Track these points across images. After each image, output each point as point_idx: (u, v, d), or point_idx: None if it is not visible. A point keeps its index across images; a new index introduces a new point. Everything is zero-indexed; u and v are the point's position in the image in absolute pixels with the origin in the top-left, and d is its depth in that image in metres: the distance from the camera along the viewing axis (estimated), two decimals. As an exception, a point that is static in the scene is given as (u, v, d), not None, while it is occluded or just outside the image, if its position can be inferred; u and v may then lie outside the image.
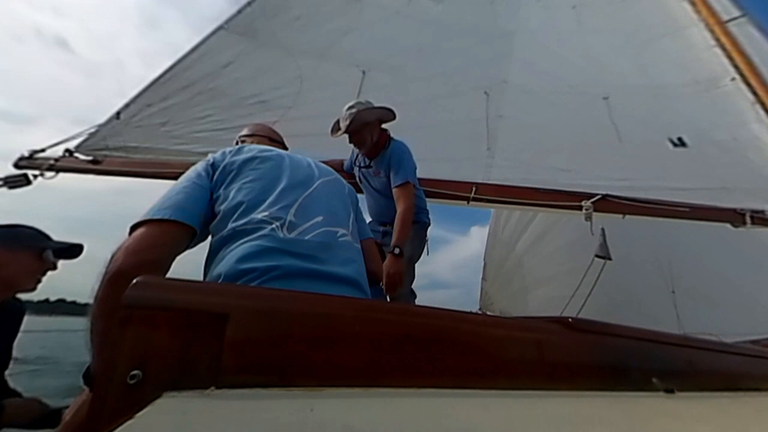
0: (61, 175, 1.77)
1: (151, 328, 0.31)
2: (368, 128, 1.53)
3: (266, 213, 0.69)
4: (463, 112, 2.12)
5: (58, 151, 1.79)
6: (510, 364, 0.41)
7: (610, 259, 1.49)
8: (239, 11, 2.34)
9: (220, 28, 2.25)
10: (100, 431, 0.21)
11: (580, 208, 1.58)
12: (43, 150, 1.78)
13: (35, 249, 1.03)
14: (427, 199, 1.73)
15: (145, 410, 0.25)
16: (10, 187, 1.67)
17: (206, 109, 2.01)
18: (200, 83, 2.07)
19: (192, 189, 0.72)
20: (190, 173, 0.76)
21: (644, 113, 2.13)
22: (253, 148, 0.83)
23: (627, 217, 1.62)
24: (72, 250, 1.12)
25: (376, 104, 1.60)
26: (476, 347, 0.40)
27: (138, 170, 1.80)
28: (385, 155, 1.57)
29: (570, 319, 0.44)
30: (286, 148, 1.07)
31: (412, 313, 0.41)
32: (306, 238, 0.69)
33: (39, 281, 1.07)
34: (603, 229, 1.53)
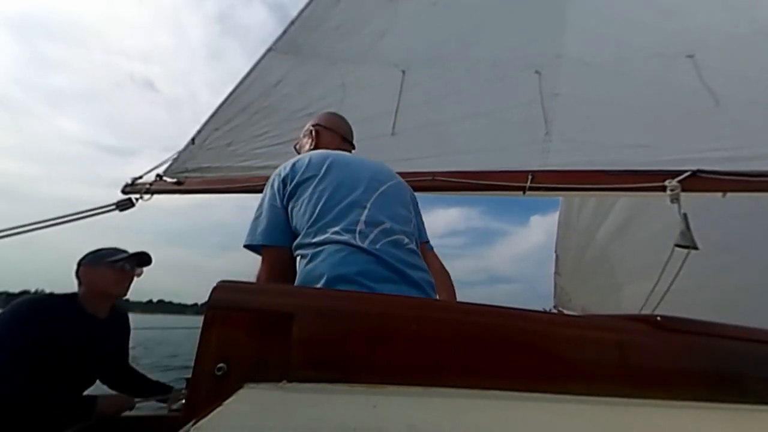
0: (155, 196, 2.09)
1: (231, 326, 0.35)
2: None
3: (337, 227, 0.73)
4: (512, 96, 1.98)
5: (152, 176, 2.13)
6: (586, 367, 0.37)
7: (695, 248, 1.23)
8: (284, 32, 2.50)
9: (269, 50, 2.44)
10: (196, 415, 0.24)
11: (663, 189, 1.36)
12: (140, 177, 2.13)
13: (112, 263, 1.30)
14: (480, 192, 1.66)
15: (231, 399, 0.28)
16: (121, 210, 2.03)
17: (263, 126, 2.19)
18: (256, 103, 2.27)
19: (272, 213, 0.80)
20: (266, 195, 0.83)
21: (746, 67, 1.75)
22: (317, 159, 0.84)
23: (729, 195, 1.35)
24: (141, 258, 1.37)
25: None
26: (545, 348, 0.37)
27: (211, 188, 2.05)
28: None
29: (658, 318, 0.38)
30: (353, 144, 1.08)
31: (473, 312, 0.39)
32: (377, 246, 0.71)
33: (127, 287, 1.34)
34: (685, 215, 1.28)
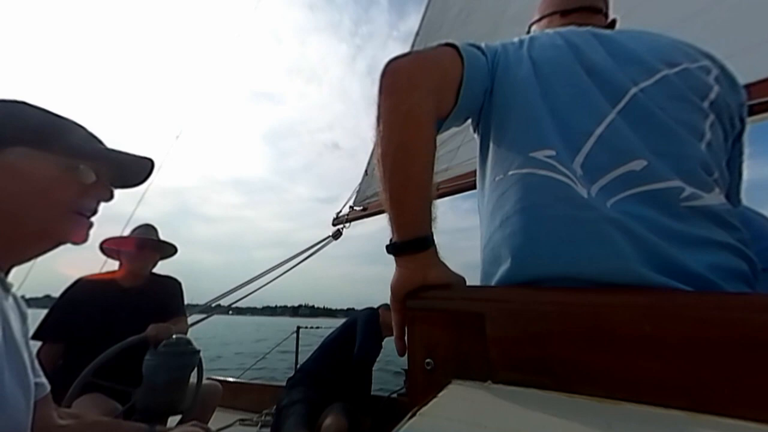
0: (353, 223, 2.68)
1: (429, 325, 0.38)
2: None
3: (548, 151, 0.43)
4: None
5: (347, 209, 2.75)
6: None
7: None
8: (413, 45, 2.65)
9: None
10: (417, 402, 0.27)
11: None
12: (340, 211, 2.80)
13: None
14: (752, 118, 0.95)
15: (443, 392, 0.31)
16: (335, 238, 2.74)
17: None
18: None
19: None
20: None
21: None
22: (537, 38, 0.53)
23: None
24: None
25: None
26: None
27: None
28: None
29: None
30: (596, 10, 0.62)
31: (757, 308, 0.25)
32: (610, 201, 0.39)
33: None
34: None
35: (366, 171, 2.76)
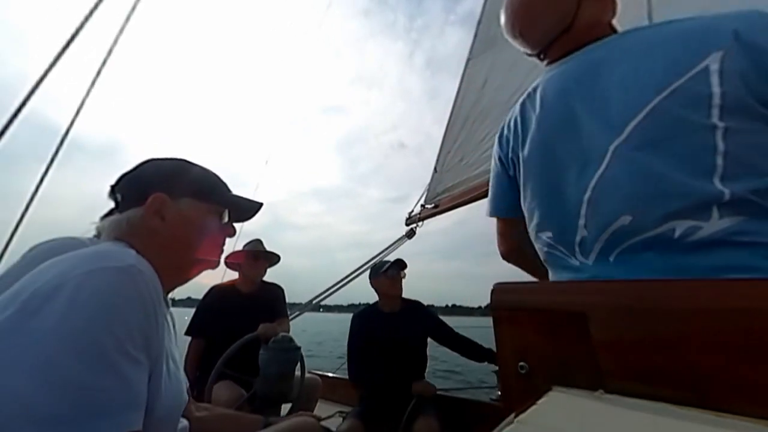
0: (425, 221, 2.67)
1: (518, 326, 0.35)
2: None
3: (547, 232, 0.47)
4: None
5: (418, 208, 2.75)
6: None
7: None
8: (475, 35, 2.52)
9: (468, 60, 2.53)
10: (513, 408, 0.25)
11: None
12: (412, 210, 2.82)
13: (383, 273, 1.70)
14: None
15: (543, 399, 0.28)
16: (409, 238, 2.77)
17: (483, 130, 2.25)
18: (471, 113, 2.39)
19: (496, 180, 0.64)
20: (493, 164, 0.66)
21: None
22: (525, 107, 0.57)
23: None
24: (400, 264, 1.72)
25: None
26: None
27: (459, 201, 2.33)
28: None
29: None
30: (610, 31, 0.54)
31: None
32: (611, 258, 0.40)
33: (399, 287, 1.69)
34: None
35: (435, 168, 2.71)
